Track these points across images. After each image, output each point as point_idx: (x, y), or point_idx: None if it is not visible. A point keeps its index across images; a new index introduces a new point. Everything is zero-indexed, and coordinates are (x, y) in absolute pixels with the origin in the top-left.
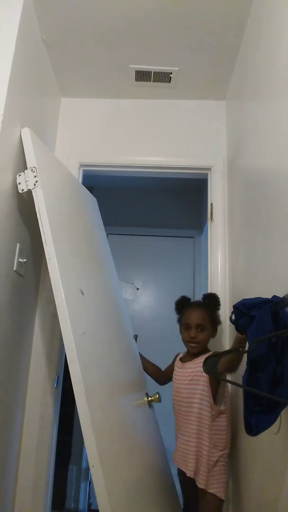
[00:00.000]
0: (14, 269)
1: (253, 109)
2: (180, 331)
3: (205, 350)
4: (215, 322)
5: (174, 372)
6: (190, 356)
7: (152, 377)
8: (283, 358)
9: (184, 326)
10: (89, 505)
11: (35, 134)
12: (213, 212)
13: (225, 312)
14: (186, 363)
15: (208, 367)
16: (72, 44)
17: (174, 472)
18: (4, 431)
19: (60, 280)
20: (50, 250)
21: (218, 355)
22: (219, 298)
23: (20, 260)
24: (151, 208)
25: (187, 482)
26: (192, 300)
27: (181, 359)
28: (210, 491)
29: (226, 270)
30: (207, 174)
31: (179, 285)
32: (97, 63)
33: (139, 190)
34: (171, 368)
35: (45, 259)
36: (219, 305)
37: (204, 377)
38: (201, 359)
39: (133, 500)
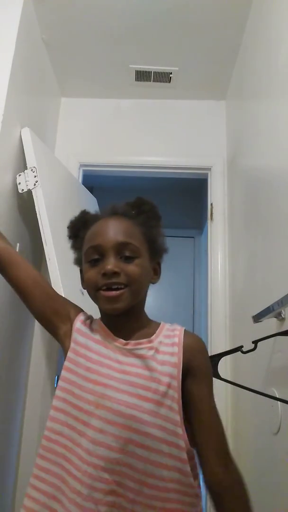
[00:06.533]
0: None
1: (253, 109)
2: (82, 276)
3: (145, 319)
4: (154, 246)
5: (77, 348)
6: (113, 328)
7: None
8: None
9: (89, 255)
10: None
11: (35, 134)
12: (213, 212)
13: (225, 312)
14: (125, 343)
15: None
16: (72, 44)
17: None
18: (4, 431)
19: (60, 280)
20: (50, 250)
21: (220, 354)
22: (156, 207)
23: None
24: None
25: None
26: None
27: (93, 332)
28: None
29: (226, 270)
30: (207, 174)
31: (179, 285)
32: (97, 63)
33: (139, 190)
34: (66, 308)
35: (45, 259)
36: (159, 218)
37: (175, 386)
38: (150, 343)
39: None
